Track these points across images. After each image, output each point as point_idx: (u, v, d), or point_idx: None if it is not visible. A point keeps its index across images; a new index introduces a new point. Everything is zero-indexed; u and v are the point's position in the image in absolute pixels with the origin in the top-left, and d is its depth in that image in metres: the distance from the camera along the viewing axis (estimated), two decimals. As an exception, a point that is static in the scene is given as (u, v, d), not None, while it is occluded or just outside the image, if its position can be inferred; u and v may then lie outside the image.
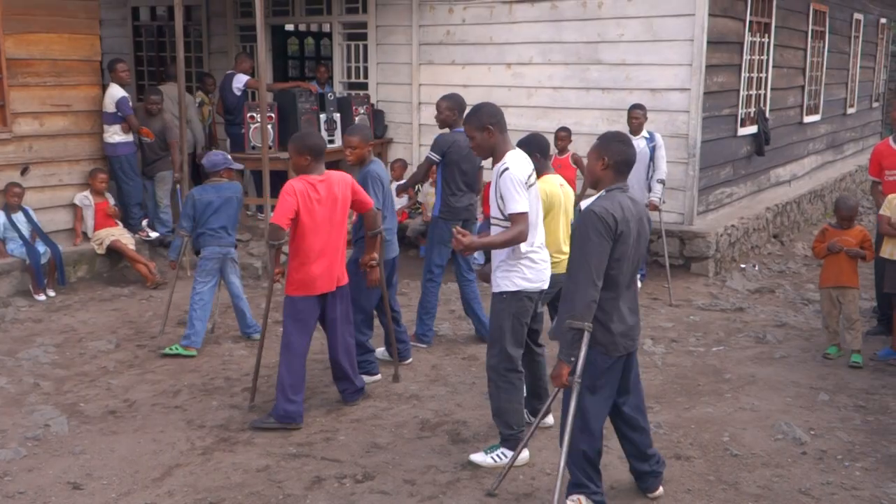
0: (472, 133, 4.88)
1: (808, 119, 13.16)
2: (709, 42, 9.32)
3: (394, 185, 10.68)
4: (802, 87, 12.78)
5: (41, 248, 8.46)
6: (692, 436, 5.45)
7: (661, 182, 8.80)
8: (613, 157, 4.28)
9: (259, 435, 5.44)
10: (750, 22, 10.35)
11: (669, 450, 5.22)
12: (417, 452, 5.16)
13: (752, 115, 10.99)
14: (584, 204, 4.26)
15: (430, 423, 5.65)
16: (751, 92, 10.88)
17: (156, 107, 9.76)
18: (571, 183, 9.57)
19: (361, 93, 11.25)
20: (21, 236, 8.38)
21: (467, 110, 5.11)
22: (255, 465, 5.03)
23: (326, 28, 15.68)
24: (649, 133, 8.87)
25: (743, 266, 10.07)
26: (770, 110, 11.36)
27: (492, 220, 4.93)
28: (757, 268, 10.11)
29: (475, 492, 4.74)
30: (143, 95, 10.55)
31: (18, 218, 8.45)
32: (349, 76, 11.63)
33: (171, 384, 6.30)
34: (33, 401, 5.95)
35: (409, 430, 5.55)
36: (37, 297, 8.34)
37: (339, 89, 11.54)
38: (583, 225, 4.12)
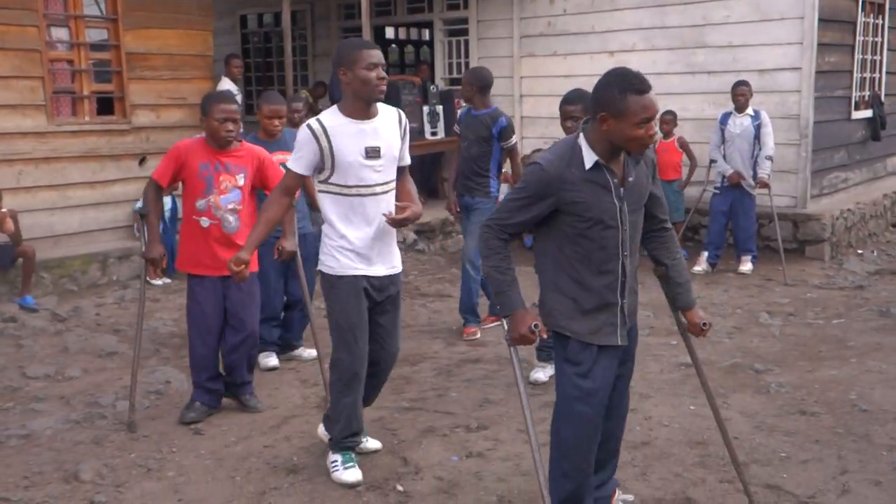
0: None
1: (925, 107, 12.63)
2: (820, 20, 9.07)
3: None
4: (919, 74, 12.29)
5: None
6: (816, 394, 5.24)
7: (769, 158, 8.56)
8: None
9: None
10: (863, 2, 10.03)
11: (793, 406, 5.03)
12: (532, 406, 5.08)
13: (866, 98, 10.62)
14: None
15: (541, 383, 5.59)
16: (865, 75, 10.52)
17: (297, 115, 7.80)
18: (677, 168, 9.43)
19: (463, 87, 11.32)
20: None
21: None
22: (369, 417, 5.03)
23: (426, 35, 15.95)
24: (754, 111, 8.66)
25: (860, 251, 9.69)
26: (885, 95, 10.96)
27: None
28: (875, 253, 9.71)
29: (591, 440, 4.65)
30: (252, 101, 10.71)
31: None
32: (450, 72, 11.74)
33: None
34: (154, 363, 6.14)
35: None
36: (153, 281, 8.61)
37: (441, 85, 11.65)
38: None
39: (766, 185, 8.52)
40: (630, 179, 3.26)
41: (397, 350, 4.38)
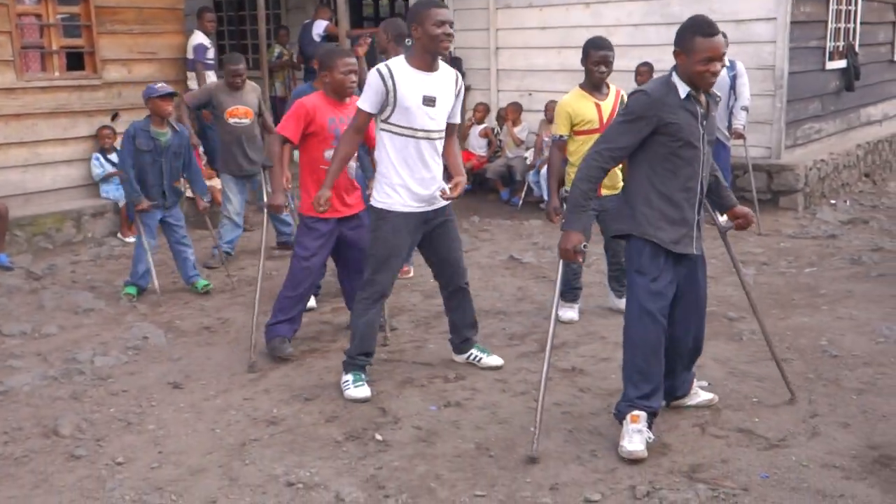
0: None
1: (899, 57, 12.69)
2: (795, -31, 9.05)
3: (475, 128, 10.71)
4: (894, 24, 12.32)
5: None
6: (789, 341, 5.33)
7: (745, 109, 8.58)
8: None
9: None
10: (838, -50, 10.02)
11: (765, 353, 5.09)
12: (507, 357, 5.15)
13: (840, 49, 10.64)
14: None
15: (519, 334, 5.64)
16: (839, 25, 10.53)
17: (239, 79, 7.37)
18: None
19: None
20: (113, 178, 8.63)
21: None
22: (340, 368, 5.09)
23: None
24: (730, 61, 8.62)
25: (833, 201, 9.78)
26: (860, 45, 10.98)
27: None
28: (848, 203, 9.81)
29: (568, 388, 4.72)
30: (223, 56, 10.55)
31: (113, 159, 8.69)
32: (426, 25, 11.61)
33: (262, 306, 6.40)
34: (131, 319, 6.13)
35: (499, 339, 5.56)
36: (125, 238, 8.55)
37: (415, 38, 11.54)
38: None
39: (741, 136, 8.55)
40: (711, 114, 3.90)
41: (461, 263, 4.90)
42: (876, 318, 5.69)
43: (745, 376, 4.80)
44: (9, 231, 7.70)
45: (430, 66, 4.46)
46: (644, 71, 9.37)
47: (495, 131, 10.65)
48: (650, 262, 3.89)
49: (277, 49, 11.80)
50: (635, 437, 3.89)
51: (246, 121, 7.27)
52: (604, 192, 5.48)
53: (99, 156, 8.75)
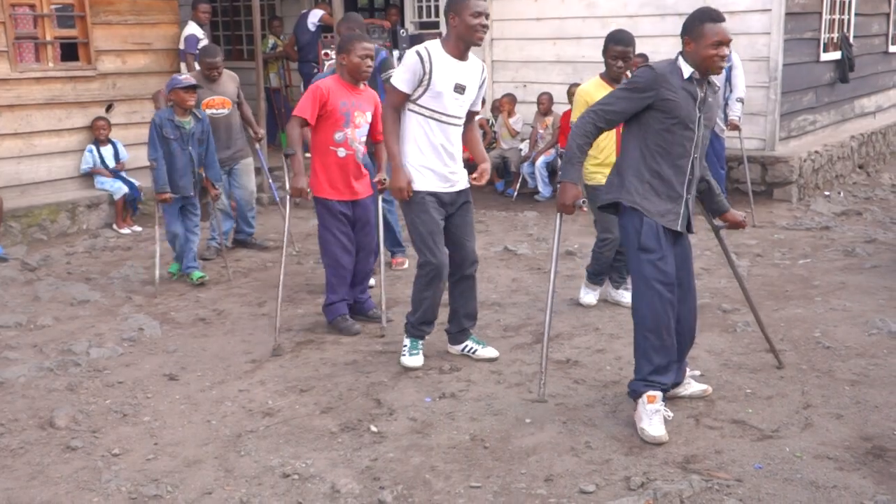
0: None
1: (893, 49, 12.70)
2: (790, -40, 9.05)
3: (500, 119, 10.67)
4: (888, 15, 12.33)
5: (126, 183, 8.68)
6: (782, 332, 5.35)
7: (741, 100, 8.59)
8: None
9: (346, 336, 5.52)
10: (833, -59, 10.01)
11: (759, 344, 5.13)
12: (501, 349, 5.16)
13: (835, 40, 10.64)
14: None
15: (513, 326, 5.66)
16: (833, 16, 10.53)
17: (216, 72, 7.15)
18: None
19: (434, 31, 11.23)
20: (109, 170, 8.61)
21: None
22: (342, 360, 5.11)
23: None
24: (727, 53, 8.64)
25: (827, 193, 9.81)
26: (854, 37, 10.99)
27: None
28: (842, 194, 9.84)
29: (563, 380, 4.73)
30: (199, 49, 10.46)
31: (107, 151, 8.68)
32: (420, 15, 11.61)
33: (257, 297, 6.43)
34: (126, 311, 6.13)
35: (493, 331, 5.57)
36: (119, 230, 8.54)
37: (410, 29, 11.53)
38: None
39: (736, 128, 8.57)
40: (709, 100, 4.03)
41: (474, 251, 4.97)
42: (869, 309, 5.72)
43: (738, 368, 4.83)
44: (3, 222, 7.69)
45: (462, 55, 4.62)
46: (639, 62, 9.35)
47: (490, 122, 10.65)
48: (654, 240, 3.99)
49: (272, 40, 11.77)
50: (654, 418, 3.98)
51: (224, 111, 7.24)
52: (599, 176, 5.50)
53: (93, 147, 8.73)
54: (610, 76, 5.59)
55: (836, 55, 10.65)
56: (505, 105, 10.42)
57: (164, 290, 6.60)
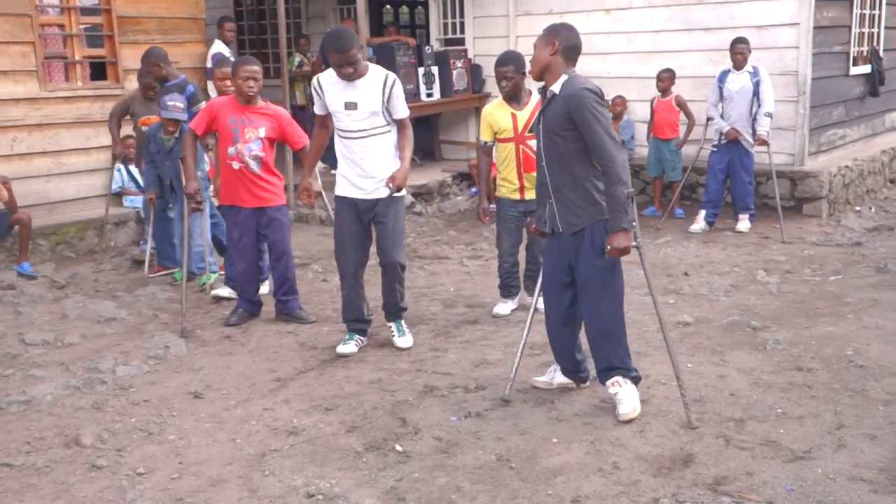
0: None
1: (924, 62, 12.54)
2: (818, -27, 8.98)
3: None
4: (918, 28, 12.19)
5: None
6: (813, 351, 5.26)
7: (769, 115, 8.49)
8: (563, 42, 4.35)
9: (371, 353, 5.51)
10: (861, -46, 9.93)
11: (790, 362, 5.05)
12: (528, 367, 5.11)
13: (864, 53, 10.54)
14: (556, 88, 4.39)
15: (540, 344, 5.60)
16: (863, 30, 10.43)
17: (152, 92, 7.64)
18: (674, 126, 9.38)
19: (459, 48, 11.24)
20: (138, 188, 8.67)
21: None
22: (367, 378, 5.09)
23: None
24: (753, 67, 8.57)
25: (858, 208, 9.68)
26: (884, 50, 10.88)
27: None
28: (873, 210, 9.70)
29: (590, 398, 4.68)
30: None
31: (136, 170, 8.73)
32: (445, 32, 11.63)
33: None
34: (153, 328, 6.14)
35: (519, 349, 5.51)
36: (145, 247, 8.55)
37: (435, 46, 11.55)
38: (586, 103, 4.22)
39: (764, 143, 8.47)
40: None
41: (394, 258, 5.42)
42: (903, 327, 5.61)
43: (769, 387, 4.74)
44: (32, 240, 7.75)
45: (349, 77, 5.09)
46: (666, 77, 9.32)
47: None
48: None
49: (298, 58, 11.84)
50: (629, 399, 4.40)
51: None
52: (503, 189, 6.04)
53: (121, 166, 8.79)
54: (503, 96, 5.90)
55: (866, 69, 10.55)
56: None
57: (189, 308, 6.60)
